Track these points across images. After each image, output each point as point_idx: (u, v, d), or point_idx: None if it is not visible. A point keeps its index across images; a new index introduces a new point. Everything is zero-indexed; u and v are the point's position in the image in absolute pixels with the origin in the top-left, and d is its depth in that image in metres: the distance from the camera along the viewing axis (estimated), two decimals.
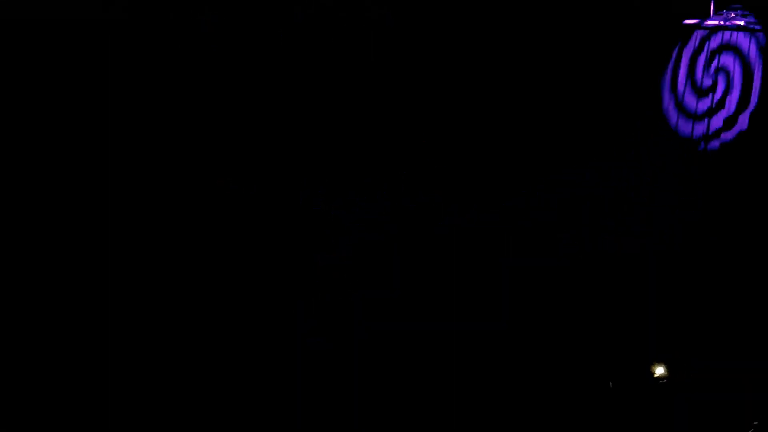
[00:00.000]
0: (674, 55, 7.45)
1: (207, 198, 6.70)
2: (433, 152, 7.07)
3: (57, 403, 6.12)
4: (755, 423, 6.33)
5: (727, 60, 7.47)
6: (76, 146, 6.57)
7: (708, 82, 7.46)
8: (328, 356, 6.53)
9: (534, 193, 7.12)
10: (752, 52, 7.43)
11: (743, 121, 7.33)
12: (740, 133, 7.31)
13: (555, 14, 7.19)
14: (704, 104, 7.46)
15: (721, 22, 7.43)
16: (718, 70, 7.45)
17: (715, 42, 7.49)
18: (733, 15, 7.44)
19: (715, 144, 7.37)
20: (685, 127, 7.45)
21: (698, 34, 7.45)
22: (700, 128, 7.41)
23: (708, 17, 7.44)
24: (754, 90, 7.33)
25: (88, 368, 6.22)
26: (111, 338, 6.26)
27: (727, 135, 7.37)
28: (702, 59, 7.45)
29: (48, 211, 6.47)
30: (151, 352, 6.31)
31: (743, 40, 7.43)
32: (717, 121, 7.41)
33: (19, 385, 6.13)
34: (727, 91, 7.43)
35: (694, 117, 7.42)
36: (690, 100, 7.47)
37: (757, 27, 7.42)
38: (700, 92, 7.48)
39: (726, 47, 7.47)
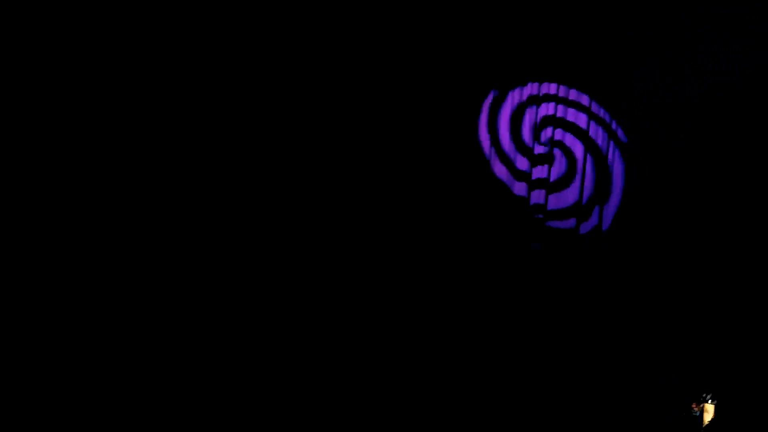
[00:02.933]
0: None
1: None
2: None
3: (56, 403, 6.07)
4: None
5: (568, 137, 7.21)
6: (75, 146, 6.49)
7: (540, 150, 7.20)
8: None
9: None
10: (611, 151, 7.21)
11: (603, 216, 7.11)
12: (595, 228, 7.07)
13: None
14: (537, 172, 7.18)
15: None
16: (555, 142, 7.20)
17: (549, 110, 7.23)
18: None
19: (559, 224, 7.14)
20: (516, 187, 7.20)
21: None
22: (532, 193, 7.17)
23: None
24: (614, 190, 7.14)
25: (92, 369, 6.18)
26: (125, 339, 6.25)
27: (581, 227, 7.14)
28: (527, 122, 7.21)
29: (48, 212, 6.39)
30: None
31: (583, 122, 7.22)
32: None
33: (19, 385, 6.06)
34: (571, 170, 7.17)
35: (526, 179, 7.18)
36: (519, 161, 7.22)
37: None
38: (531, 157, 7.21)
39: (565, 124, 7.21)
